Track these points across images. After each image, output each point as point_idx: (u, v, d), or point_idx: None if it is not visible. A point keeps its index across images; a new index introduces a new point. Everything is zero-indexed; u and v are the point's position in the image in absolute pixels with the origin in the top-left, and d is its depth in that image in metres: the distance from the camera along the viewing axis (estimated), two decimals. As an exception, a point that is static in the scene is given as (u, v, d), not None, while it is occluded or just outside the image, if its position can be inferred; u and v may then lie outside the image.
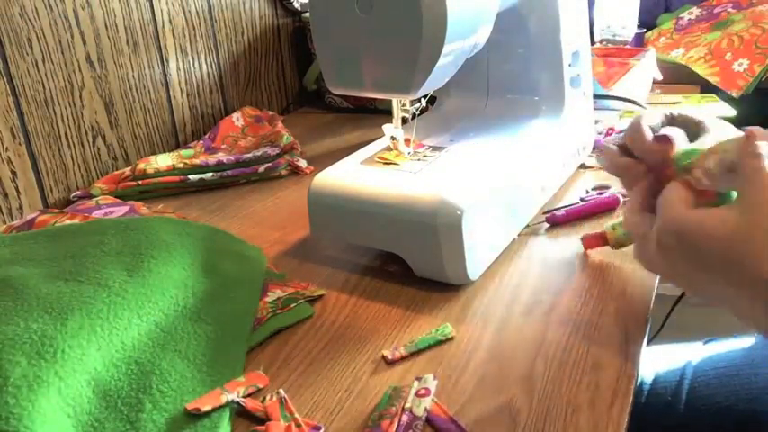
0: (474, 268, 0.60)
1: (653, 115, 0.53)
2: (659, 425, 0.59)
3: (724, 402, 0.58)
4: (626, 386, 0.47)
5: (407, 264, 0.62)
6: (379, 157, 0.68)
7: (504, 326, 0.55)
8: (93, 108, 0.88)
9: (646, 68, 1.13)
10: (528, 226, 0.71)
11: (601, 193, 0.76)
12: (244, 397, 0.47)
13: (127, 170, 0.88)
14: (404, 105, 0.66)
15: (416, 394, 0.47)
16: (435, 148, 0.70)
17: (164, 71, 0.98)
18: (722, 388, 0.58)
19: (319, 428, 0.45)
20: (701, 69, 1.22)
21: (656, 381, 0.63)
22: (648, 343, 0.59)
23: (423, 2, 0.52)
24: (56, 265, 0.56)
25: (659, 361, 0.66)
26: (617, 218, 0.67)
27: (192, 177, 0.87)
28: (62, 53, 0.83)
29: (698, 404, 0.59)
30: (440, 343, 0.53)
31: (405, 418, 0.44)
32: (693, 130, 0.51)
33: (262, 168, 0.90)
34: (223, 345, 0.52)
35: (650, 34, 1.41)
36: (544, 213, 0.73)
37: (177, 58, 1.00)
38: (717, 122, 0.52)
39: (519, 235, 0.70)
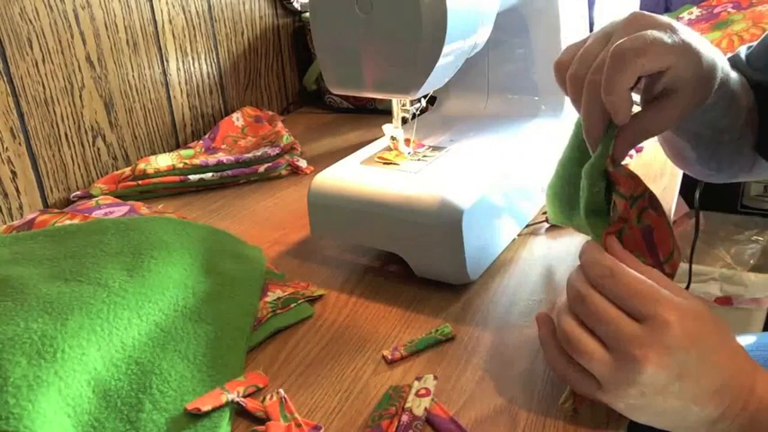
0: (474, 268, 0.60)
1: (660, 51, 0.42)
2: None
3: None
4: (626, 386, 0.47)
5: (407, 264, 0.62)
6: (379, 157, 0.68)
7: (504, 326, 0.55)
8: (93, 108, 0.88)
9: (646, 68, 1.13)
10: (528, 226, 0.71)
11: (601, 193, 0.76)
12: (244, 397, 0.47)
13: (127, 170, 0.88)
14: (404, 105, 0.66)
15: (416, 394, 0.47)
16: (435, 148, 0.70)
17: (164, 71, 0.98)
18: None
19: (319, 428, 0.45)
20: (700, 69, 1.21)
21: None
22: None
23: (423, 2, 0.52)
24: (56, 265, 0.56)
25: None
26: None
27: (192, 177, 0.87)
28: (62, 53, 0.83)
29: None
30: (440, 343, 0.53)
31: (405, 418, 0.44)
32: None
33: (262, 168, 0.90)
34: (223, 345, 0.52)
35: (650, 34, 1.41)
36: (544, 213, 0.73)
37: (177, 58, 1.00)
38: (700, 45, 0.44)
39: (519, 235, 0.70)
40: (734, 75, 0.52)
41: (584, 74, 0.44)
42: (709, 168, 0.61)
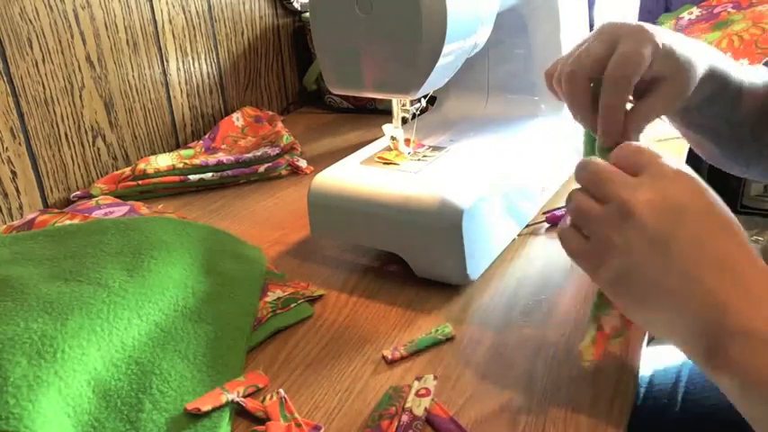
0: (474, 268, 0.60)
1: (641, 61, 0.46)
2: (655, 427, 0.59)
3: (719, 405, 0.57)
4: (626, 386, 0.47)
5: (407, 264, 0.62)
6: (379, 157, 0.68)
7: (504, 326, 0.55)
8: (93, 108, 0.88)
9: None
10: (528, 226, 0.71)
11: (601, 193, 0.76)
12: (244, 397, 0.47)
13: (127, 170, 0.88)
14: (404, 105, 0.66)
15: (416, 394, 0.47)
16: (435, 148, 0.70)
17: (164, 71, 0.98)
18: (717, 390, 0.58)
19: (319, 428, 0.45)
20: (700, 69, 1.21)
21: (652, 383, 0.63)
22: (648, 343, 0.59)
23: (423, 2, 0.52)
24: (56, 265, 0.56)
25: (655, 362, 0.66)
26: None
27: (192, 177, 0.87)
28: (62, 53, 0.83)
29: (693, 406, 0.59)
30: (440, 343, 0.53)
31: (405, 418, 0.44)
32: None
33: (262, 168, 0.90)
34: (223, 345, 0.52)
35: (650, 34, 1.40)
36: (544, 213, 0.73)
37: (177, 58, 1.00)
38: (680, 44, 0.48)
39: (519, 235, 0.70)
40: (746, 73, 0.54)
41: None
42: (738, 164, 0.62)
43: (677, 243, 0.37)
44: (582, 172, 0.42)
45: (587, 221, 0.40)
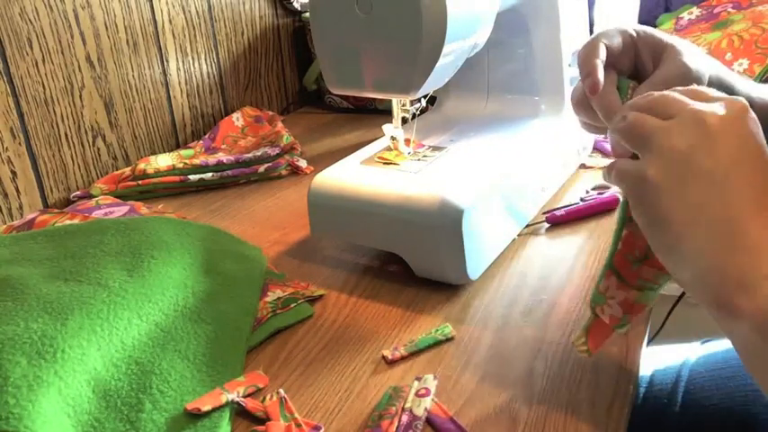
0: (474, 268, 0.60)
1: (611, 34, 0.49)
2: (654, 427, 0.59)
3: (719, 404, 0.57)
4: (626, 386, 0.47)
5: (407, 264, 0.62)
6: (379, 157, 0.68)
7: (504, 326, 0.55)
8: (93, 108, 0.88)
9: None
10: (528, 226, 0.71)
11: (601, 193, 0.76)
12: (244, 397, 0.47)
13: (127, 170, 0.88)
14: (404, 105, 0.66)
15: (416, 394, 0.47)
16: (435, 148, 0.70)
17: (164, 71, 0.98)
18: (717, 390, 0.58)
19: (319, 428, 0.45)
20: (700, 69, 1.21)
21: (652, 382, 0.63)
22: (648, 343, 0.59)
23: (423, 2, 0.52)
24: (56, 265, 0.56)
25: (656, 362, 0.66)
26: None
27: (192, 177, 0.87)
28: (62, 53, 0.83)
29: (693, 406, 0.59)
30: (440, 343, 0.53)
31: (405, 418, 0.44)
32: (659, 52, 0.49)
33: (262, 168, 0.90)
34: (223, 345, 0.52)
35: (650, 34, 1.40)
36: (544, 213, 0.73)
37: (177, 58, 1.00)
38: (686, 47, 0.49)
39: (519, 235, 0.70)
40: (752, 86, 0.54)
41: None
42: None
43: (737, 171, 0.35)
44: (644, 98, 0.40)
45: (646, 132, 0.37)
